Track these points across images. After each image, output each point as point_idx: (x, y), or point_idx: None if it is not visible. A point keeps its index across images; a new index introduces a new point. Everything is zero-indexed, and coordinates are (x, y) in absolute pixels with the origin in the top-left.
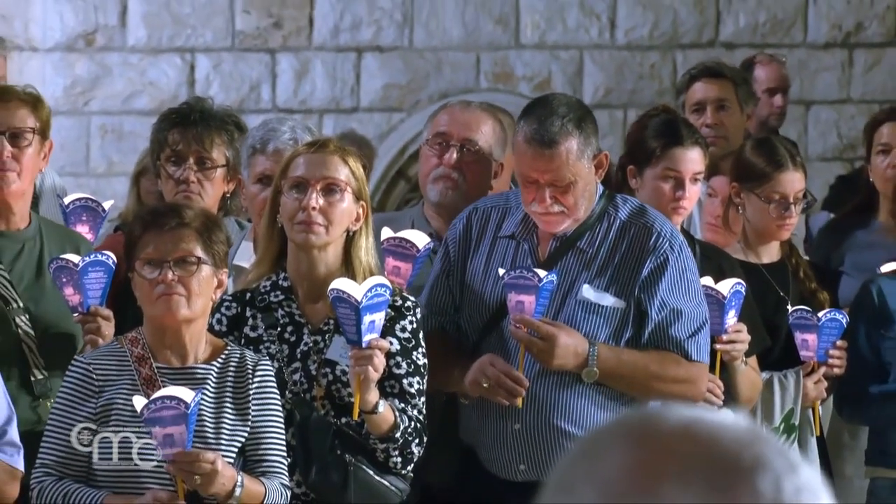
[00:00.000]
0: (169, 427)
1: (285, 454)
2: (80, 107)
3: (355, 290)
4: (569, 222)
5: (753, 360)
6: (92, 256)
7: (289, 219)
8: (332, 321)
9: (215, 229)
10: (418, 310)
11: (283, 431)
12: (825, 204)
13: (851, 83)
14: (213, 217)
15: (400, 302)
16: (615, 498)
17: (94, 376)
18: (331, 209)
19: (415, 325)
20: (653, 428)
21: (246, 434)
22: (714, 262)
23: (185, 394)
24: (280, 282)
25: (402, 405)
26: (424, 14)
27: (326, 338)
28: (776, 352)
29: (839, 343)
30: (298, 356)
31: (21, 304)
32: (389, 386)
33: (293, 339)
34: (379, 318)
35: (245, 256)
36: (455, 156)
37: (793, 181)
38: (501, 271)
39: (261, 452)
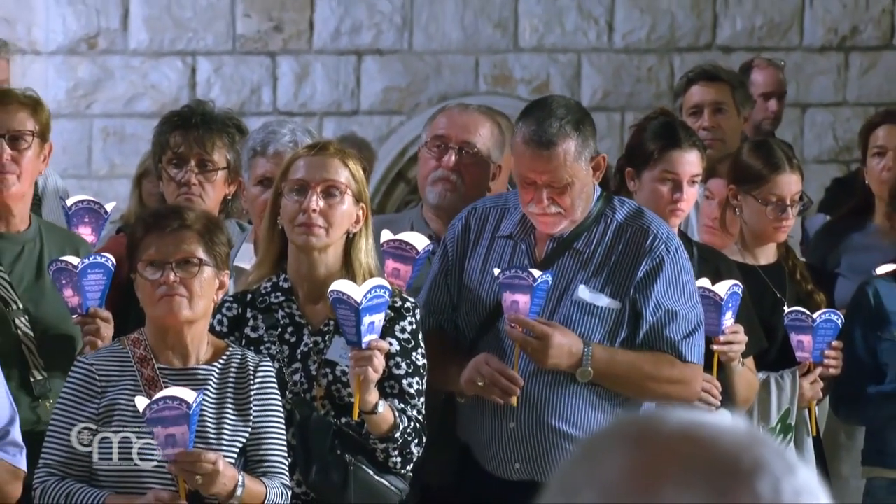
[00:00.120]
0: (171, 427)
1: (286, 455)
2: (82, 109)
3: (355, 291)
4: (566, 223)
5: (750, 361)
6: (91, 258)
7: (289, 221)
8: (332, 322)
9: (217, 231)
10: (417, 311)
11: (283, 432)
12: (821, 206)
13: (847, 86)
14: (214, 219)
15: (399, 303)
16: (616, 499)
17: (97, 377)
18: (331, 211)
19: (414, 326)
20: (653, 431)
21: (247, 434)
22: (711, 263)
23: (187, 394)
24: (280, 283)
25: (402, 405)
26: (424, 17)
27: (326, 338)
28: (773, 353)
29: (834, 344)
30: (299, 357)
31: (21, 306)
32: (389, 386)
33: (293, 339)
34: (378, 319)
35: (246, 258)
36: (453, 158)
37: (789, 183)
38: (497, 271)
39: (262, 453)
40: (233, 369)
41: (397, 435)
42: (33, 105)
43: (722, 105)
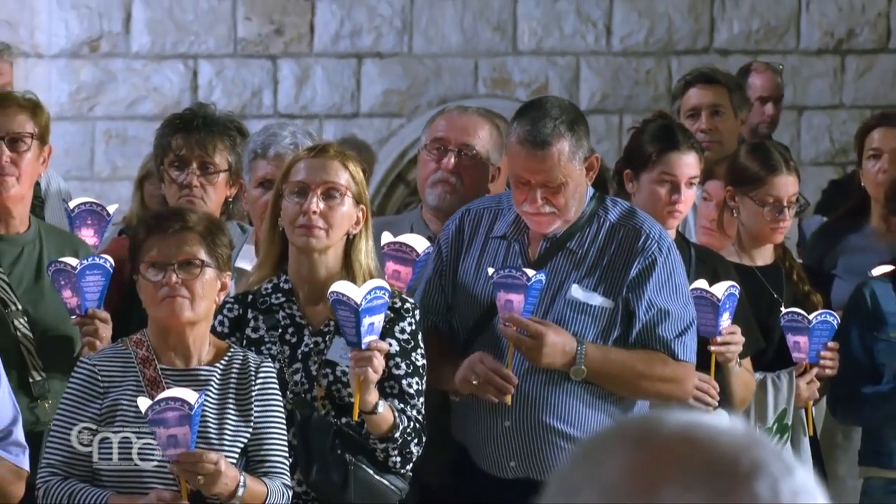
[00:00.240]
0: (173, 428)
1: (287, 455)
2: (84, 112)
3: (355, 292)
4: (559, 223)
5: (747, 361)
6: (90, 260)
7: (290, 222)
8: (332, 323)
9: (218, 233)
10: (417, 312)
11: (284, 432)
12: (818, 208)
13: (843, 89)
14: (216, 221)
15: (399, 304)
16: (616, 499)
17: (100, 377)
18: (331, 213)
19: (414, 327)
20: (652, 432)
21: (248, 435)
22: (709, 265)
23: (189, 395)
24: (281, 284)
25: (402, 405)
26: (424, 21)
27: (327, 339)
28: (770, 353)
29: (830, 344)
30: (299, 357)
31: (20, 307)
32: (389, 386)
33: (294, 340)
34: (378, 320)
35: (247, 259)
36: (453, 160)
37: (786, 185)
38: (491, 270)
39: (263, 453)
40: (234, 370)
41: (397, 435)
42: (33, 108)
43: (719, 108)
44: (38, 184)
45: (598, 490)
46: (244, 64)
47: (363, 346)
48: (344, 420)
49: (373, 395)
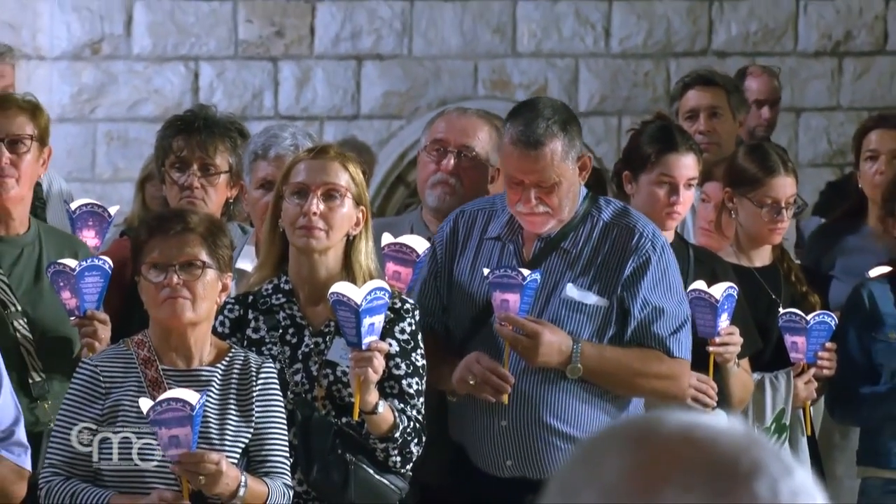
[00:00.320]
0: (174, 428)
1: (288, 455)
2: (86, 114)
3: (355, 293)
4: (553, 223)
5: (745, 362)
6: (89, 261)
7: (290, 223)
8: (332, 323)
9: (220, 234)
10: (417, 312)
11: (285, 433)
12: (815, 209)
13: (841, 91)
14: (217, 222)
15: (399, 304)
16: (616, 499)
17: (101, 378)
18: (331, 214)
19: (413, 327)
20: (652, 432)
21: (249, 435)
22: (707, 266)
23: (191, 396)
24: (282, 285)
25: (402, 405)
26: (423, 23)
27: (327, 339)
28: (768, 353)
29: (828, 345)
30: (300, 357)
31: (19, 308)
32: (389, 387)
33: (294, 340)
34: (378, 320)
35: (247, 260)
36: (452, 162)
37: (784, 186)
38: (486, 271)
39: (264, 453)
40: (235, 371)
41: (397, 434)
42: (32, 109)
43: (717, 109)
44: (39, 185)
45: (598, 491)
46: (245, 66)
47: (363, 347)
48: (344, 420)
49: (373, 396)
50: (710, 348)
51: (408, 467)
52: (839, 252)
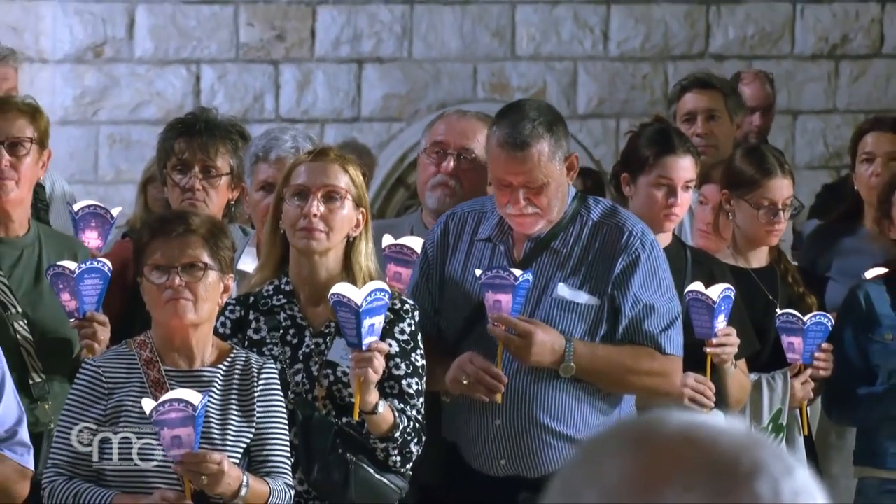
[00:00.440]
0: (177, 429)
1: (289, 455)
2: (89, 117)
3: (355, 294)
4: (542, 223)
5: (742, 363)
6: (88, 263)
7: (291, 225)
8: (333, 324)
9: (221, 236)
10: (417, 313)
11: (287, 433)
12: (812, 212)
13: (837, 94)
14: (219, 224)
15: (399, 305)
16: (617, 499)
17: (104, 379)
18: (331, 216)
19: (413, 328)
20: (653, 433)
21: (251, 435)
22: (705, 267)
23: (193, 396)
24: (282, 286)
25: (402, 405)
26: (423, 26)
27: (328, 340)
28: (765, 354)
29: (824, 346)
30: (300, 358)
31: (19, 310)
32: (389, 387)
33: (295, 341)
34: (378, 321)
35: (248, 262)
36: (452, 163)
37: (781, 188)
38: (478, 272)
39: (265, 453)
40: (237, 371)
41: (397, 434)
42: (32, 112)
43: (715, 112)
44: (42, 187)
45: (599, 491)
46: (246, 69)
47: (363, 347)
48: (345, 420)
49: (373, 396)
50: (708, 349)
51: (408, 467)
52: (836, 254)
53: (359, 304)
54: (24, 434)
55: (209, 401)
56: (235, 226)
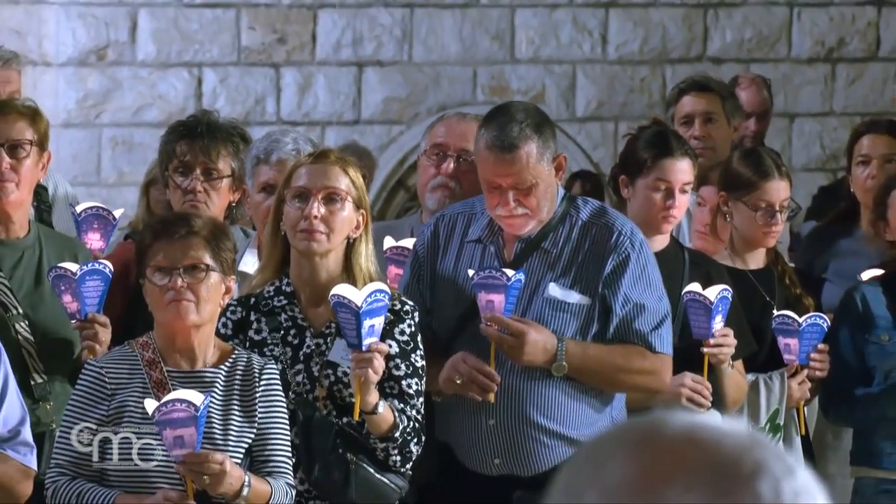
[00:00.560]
0: (179, 429)
1: (290, 455)
2: (91, 119)
3: (355, 295)
4: (533, 224)
5: (739, 363)
6: (90, 265)
7: (291, 227)
8: (333, 324)
9: (223, 237)
10: (416, 313)
11: (288, 433)
12: (808, 214)
13: (834, 96)
14: (221, 225)
15: (399, 306)
16: (619, 499)
17: (107, 380)
18: (332, 217)
19: (413, 329)
20: (656, 434)
21: (253, 435)
22: (702, 268)
23: (195, 397)
24: (283, 287)
25: (401, 405)
26: (423, 30)
27: (328, 341)
28: (763, 354)
29: (820, 347)
30: (301, 358)
31: (20, 311)
32: (389, 387)
33: (296, 341)
34: (378, 322)
35: (249, 263)
36: (452, 165)
37: (778, 190)
38: (471, 272)
39: (267, 453)
40: (239, 372)
41: (397, 434)
42: (32, 115)
43: (712, 115)
44: (45, 189)
45: (601, 492)
46: (248, 72)
47: (363, 348)
48: (345, 420)
49: (373, 396)
50: (705, 349)
51: (407, 466)
52: (832, 255)
53: (359, 305)
54: (27, 434)
55: (211, 401)
56: (237, 227)
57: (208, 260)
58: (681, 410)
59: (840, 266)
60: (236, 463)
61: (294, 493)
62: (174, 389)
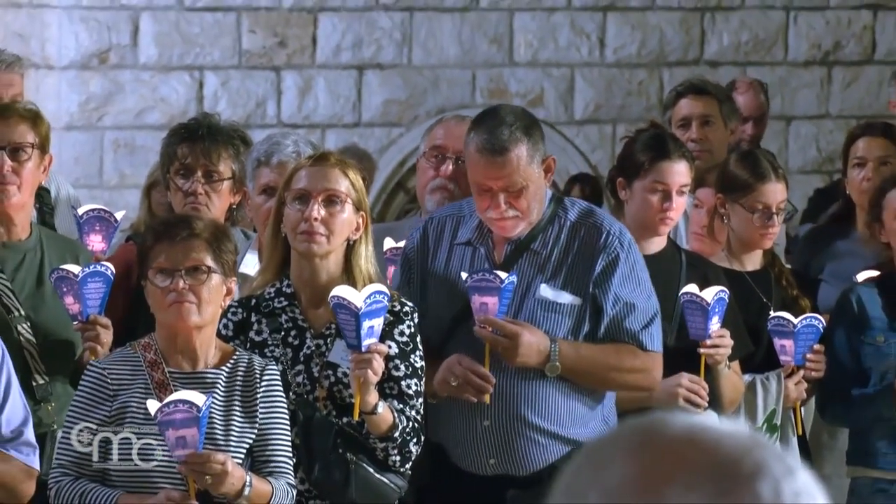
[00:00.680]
0: (181, 429)
1: (291, 455)
2: (93, 122)
3: (355, 297)
4: (523, 225)
5: (736, 364)
6: (91, 267)
7: (292, 229)
8: (333, 326)
9: (224, 239)
10: (416, 314)
11: (289, 433)
12: (804, 216)
13: (830, 99)
14: (222, 227)
15: (398, 307)
16: (620, 500)
17: (109, 381)
18: (332, 219)
19: (412, 329)
20: (657, 435)
21: (254, 436)
22: (699, 270)
23: (197, 397)
24: (284, 288)
25: (401, 406)
26: (423, 33)
27: (328, 342)
28: (759, 355)
29: (816, 347)
30: (301, 359)
31: (22, 313)
32: (388, 387)
33: (296, 342)
34: (378, 323)
35: (250, 265)
36: (451, 167)
37: (775, 192)
38: (464, 275)
39: (268, 453)
40: (240, 373)
41: (396, 434)
42: (33, 118)
43: (709, 118)
44: (47, 191)
45: (602, 493)
46: (248, 75)
47: (363, 349)
48: (345, 420)
49: (372, 396)
50: (702, 350)
51: (407, 466)
52: (828, 256)
53: (358, 306)
54: (29, 434)
55: (213, 402)
56: (237, 229)
57: (209, 262)
58: (678, 411)
59: (836, 267)
60: (238, 463)
61: (295, 492)
62: (176, 390)
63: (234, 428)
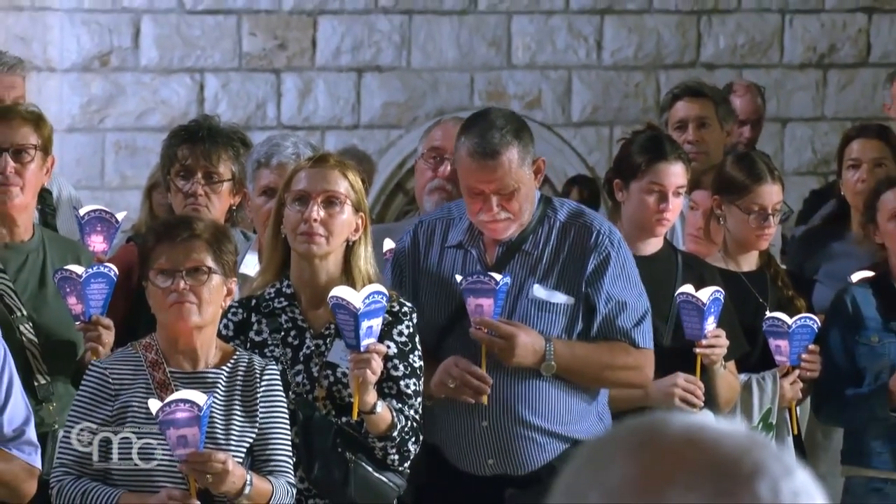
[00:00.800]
0: (182, 429)
1: (291, 454)
2: (95, 124)
3: (354, 297)
4: (514, 227)
5: (732, 364)
6: (95, 268)
7: (291, 230)
8: (332, 326)
9: (225, 240)
10: (414, 315)
11: (289, 432)
12: (800, 217)
13: (825, 102)
14: (222, 228)
15: (397, 307)
16: (620, 499)
17: (110, 381)
18: (331, 220)
19: (411, 330)
20: (657, 435)
21: (254, 435)
22: (695, 271)
23: (198, 397)
24: (284, 289)
25: (400, 405)
26: (422, 36)
27: (328, 342)
28: (755, 355)
29: (811, 347)
30: (301, 359)
31: (25, 313)
32: (387, 387)
33: (296, 342)
34: (376, 323)
35: (250, 266)
36: (449, 168)
37: (771, 193)
38: (459, 278)
39: (268, 452)
40: (240, 373)
41: (395, 434)
42: (36, 120)
43: (706, 120)
44: (49, 192)
45: (602, 493)
46: (249, 77)
47: (362, 349)
48: (344, 419)
49: (371, 396)
50: (698, 350)
51: (405, 465)
52: (823, 257)
53: (357, 306)
54: (31, 433)
55: (213, 401)
56: (237, 230)
57: (210, 262)
58: (674, 410)
59: (831, 268)
60: (238, 462)
61: (295, 491)
62: (177, 390)
63: (234, 427)
